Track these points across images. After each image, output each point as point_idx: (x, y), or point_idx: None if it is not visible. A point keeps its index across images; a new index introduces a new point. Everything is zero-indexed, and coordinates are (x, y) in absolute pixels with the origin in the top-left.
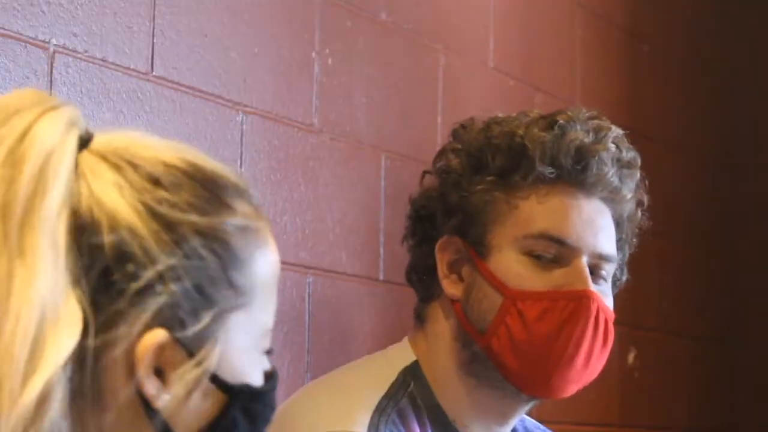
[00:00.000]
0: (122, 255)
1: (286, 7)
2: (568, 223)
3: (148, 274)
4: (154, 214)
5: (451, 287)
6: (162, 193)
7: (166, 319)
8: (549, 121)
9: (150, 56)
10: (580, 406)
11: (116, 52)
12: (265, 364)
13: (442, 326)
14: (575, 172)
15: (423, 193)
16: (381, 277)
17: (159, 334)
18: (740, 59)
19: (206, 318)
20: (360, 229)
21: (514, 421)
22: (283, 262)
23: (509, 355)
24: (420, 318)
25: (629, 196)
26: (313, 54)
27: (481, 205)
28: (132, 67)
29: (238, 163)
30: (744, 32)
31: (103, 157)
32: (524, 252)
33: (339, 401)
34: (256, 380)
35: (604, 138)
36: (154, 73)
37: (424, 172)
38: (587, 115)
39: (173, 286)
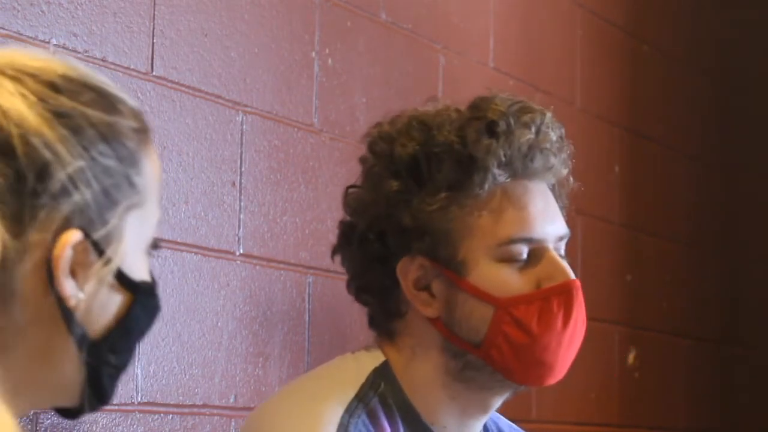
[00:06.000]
0: (34, 161)
1: (286, 7)
2: (531, 220)
3: (60, 177)
4: (59, 120)
5: (425, 308)
6: (64, 100)
7: (78, 220)
8: (486, 124)
9: (150, 56)
10: (580, 406)
11: (116, 52)
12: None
13: (420, 341)
14: (525, 166)
15: (361, 213)
16: None
17: (74, 235)
18: (740, 59)
19: (113, 217)
20: None
21: (492, 411)
22: (283, 262)
23: (513, 361)
24: (387, 333)
25: (564, 171)
26: (313, 54)
27: (442, 223)
28: (132, 67)
29: (238, 163)
30: (744, 32)
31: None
32: (500, 260)
33: (309, 404)
34: (148, 276)
35: (542, 126)
36: (154, 73)
37: (348, 188)
38: (509, 101)
39: (83, 188)
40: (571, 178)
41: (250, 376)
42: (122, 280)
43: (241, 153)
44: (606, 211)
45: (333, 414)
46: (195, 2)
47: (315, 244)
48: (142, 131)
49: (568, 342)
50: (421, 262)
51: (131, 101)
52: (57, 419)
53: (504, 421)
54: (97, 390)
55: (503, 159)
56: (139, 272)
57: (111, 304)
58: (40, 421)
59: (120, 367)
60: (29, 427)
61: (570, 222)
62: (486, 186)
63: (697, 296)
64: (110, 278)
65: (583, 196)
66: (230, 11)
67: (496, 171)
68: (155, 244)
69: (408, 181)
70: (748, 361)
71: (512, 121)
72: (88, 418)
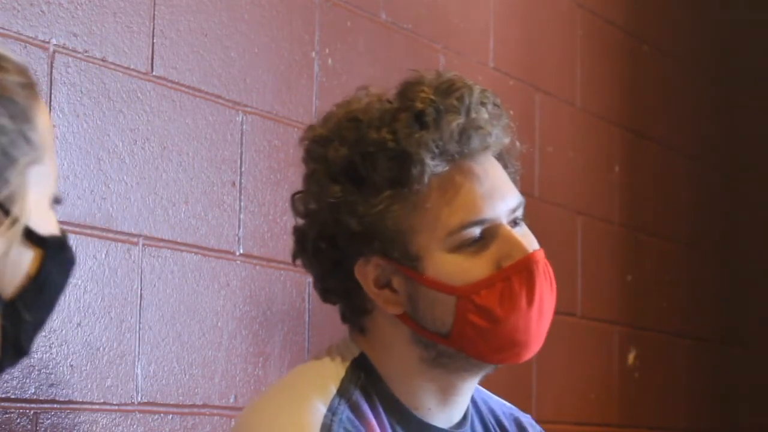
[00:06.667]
0: None
1: (286, 7)
2: (478, 201)
3: None
4: None
5: (389, 305)
6: None
7: None
8: (414, 114)
9: (150, 56)
10: (580, 406)
11: (116, 52)
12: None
13: (390, 335)
14: (461, 149)
15: (309, 220)
16: None
17: None
18: (740, 59)
19: (15, 175)
20: None
21: (474, 388)
22: (283, 262)
23: (483, 347)
24: (359, 329)
25: (506, 141)
26: (313, 54)
27: (388, 223)
28: (132, 67)
29: (238, 163)
30: (744, 32)
31: None
32: (454, 248)
33: (292, 405)
34: (57, 230)
35: (471, 104)
36: (154, 73)
37: (295, 195)
38: (435, 83)
39: None
40: (518, 143)
41: (250, 376)
42: (30, 236)
43: (241, 153)
44: (606, 211)
45: (316, 414)
46: (195, 2)
47: None
48: (30, 86)
49: (537, 318)
50: (376, 262)
51: (15, 57)
52: (57, 419)
53: (495, 400)
54: (16, 348)
55: (436, 150)
56: (46, 227)
57: (22, 261)
58: (40, 421)
59: (37, 324)
60: (29, 427)
61: (570, 222)
62: (425, 178)
63: (697, 296)
64: (21, 237)
65: (583, 196)
66: (230, 11)
67: (432, 162)
68: (58, 199)
69: (347, 186)
70: (748, 361)
71: (440, 107)
72: (87, 417)
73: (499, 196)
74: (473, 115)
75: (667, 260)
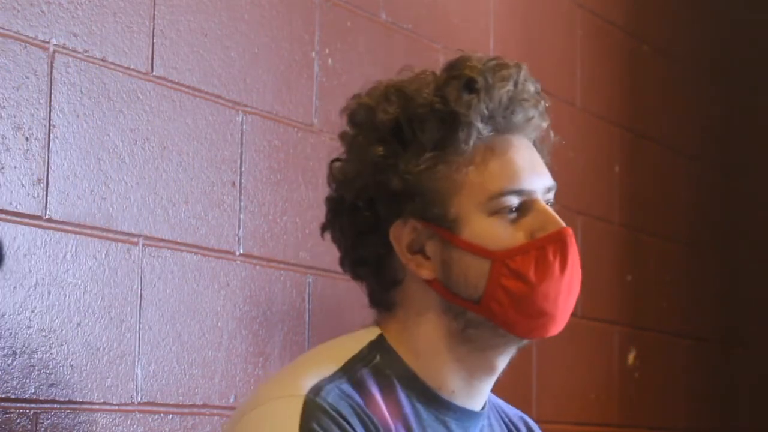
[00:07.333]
0: None
1: (286, 7)
2: (519, 172)
3: None
4: None
5: (421, 270)
6: None
7: None
8: (465, 82)
9: (150, 56)
10: (580, 406)
11: (116, 52)
12: None
13: (419, 305)
14: (506, 120)
15: (348, 184)
16: None
17: None
18: (740, 59)
19: None
20: None
21: (498, 372)
22: (283, 262)
23: (513, 313)
24: (386, 304)
25: (544, 125)
26: (313, 54)
27: (431, 182)
28: (132, 67)
29: (238, 163)
30: (744, 32)
31: None
32: (492, 213)
33: (293, 373)
34: None
35: (519, 79)
36: (154, 73)
37: (333, 161)
38: (484, 59)
39: None
40: (552, 134)
41: (250, 376)
42: None
43: (241, 153)
44: (606, 211)
45: (310, 380)
46: (195, 2)
47: (315, 244)
48: None
49: (567, 289)
50: (413, 225)
51: None
52: (57, 419)
53: (504, 404)
54: None
55: (485, 113)
56: None
57: None
58: (40, 421)
59: None
60: (29, 427)
61: (570, 222)
62: (471, 141)
63: (697, 296)
64: None
65: (583, 196)
66: (230, 11)
67: (480, 125)
68: None
69: (393, 146)
70: (748, 361)
71: (490, 77)
72: (87, 417)
73: (537, 172)
74: (520, 88)
75: (667, 260)
